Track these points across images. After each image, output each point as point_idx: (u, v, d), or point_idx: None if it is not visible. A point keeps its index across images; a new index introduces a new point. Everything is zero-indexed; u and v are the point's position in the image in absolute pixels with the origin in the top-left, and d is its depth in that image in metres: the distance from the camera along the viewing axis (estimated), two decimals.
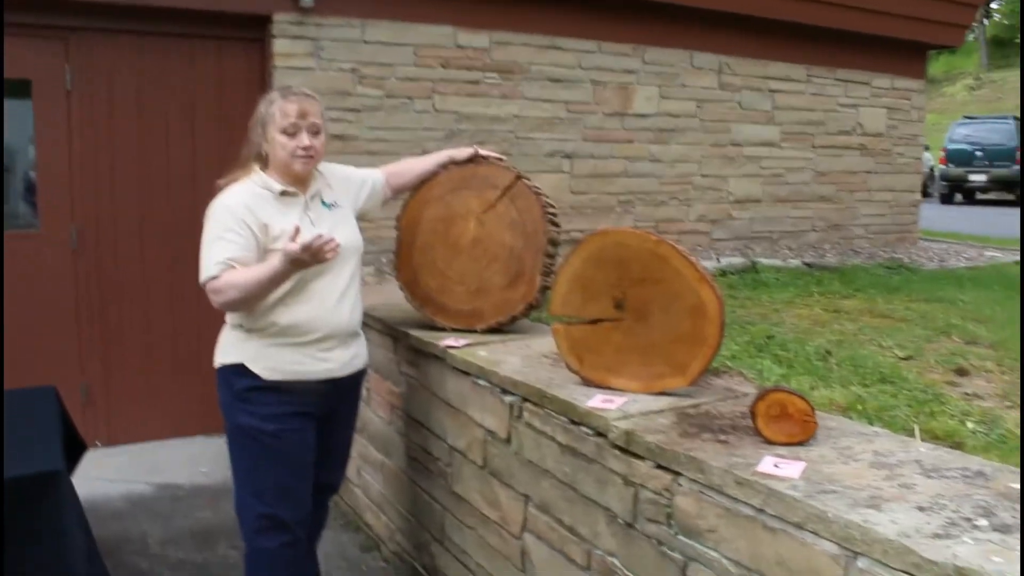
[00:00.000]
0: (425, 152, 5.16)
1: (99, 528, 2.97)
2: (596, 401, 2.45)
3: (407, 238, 3.49)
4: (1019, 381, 3.36)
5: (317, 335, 2.83)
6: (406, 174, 3.45)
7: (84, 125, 4.77)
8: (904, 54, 7.79)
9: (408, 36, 5.38)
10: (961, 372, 3.43)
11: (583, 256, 2.64)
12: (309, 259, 2.55)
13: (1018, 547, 1.50)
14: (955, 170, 20.61)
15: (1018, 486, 1.80)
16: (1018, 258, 7.84)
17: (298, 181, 2.89)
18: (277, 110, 2.82)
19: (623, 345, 2.58)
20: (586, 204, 6.18)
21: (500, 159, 3.48)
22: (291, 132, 2.81)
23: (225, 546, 3.90)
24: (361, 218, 3.21)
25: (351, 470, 4.07)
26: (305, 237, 2.52)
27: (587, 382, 2.63)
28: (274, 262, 2.62)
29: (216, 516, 4.21)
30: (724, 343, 2.63)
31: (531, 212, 3.33)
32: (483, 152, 3.49)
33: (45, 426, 3.14)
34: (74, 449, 3.41)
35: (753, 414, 2.11)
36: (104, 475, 4.61)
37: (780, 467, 1.89)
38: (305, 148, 2.81)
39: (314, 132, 2.85)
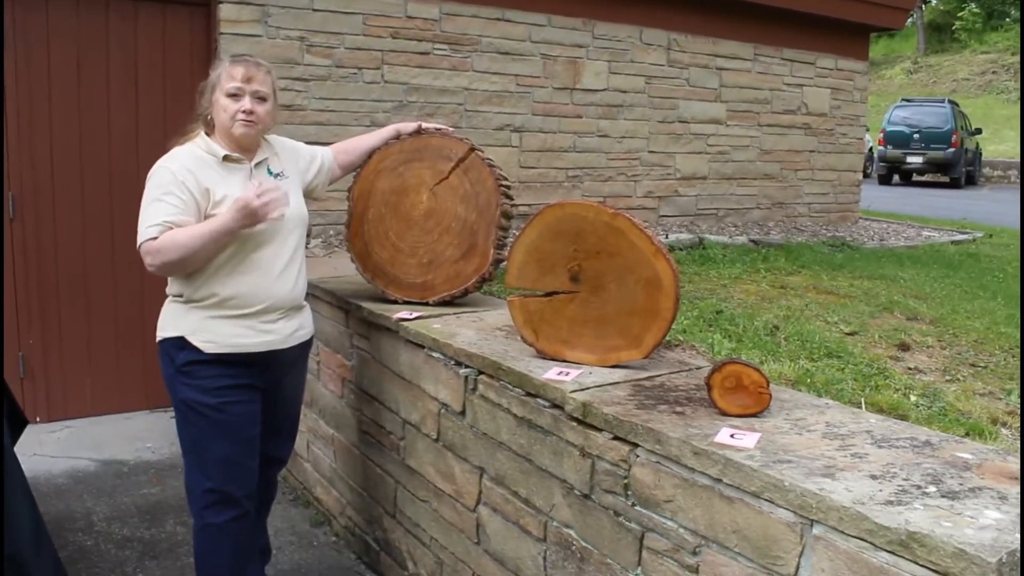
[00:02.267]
0: (374, 124, 5.12)
1: (42, 506, 2.89)
2: (552, 373, 2.45)
3: (359, 209, 3.45)
4: (960, 356, 3.45)
5: (259, 307, 2.79)
6: (353, 151, 3.42)
7: (20, 87, 4.60)
8: (848, 35, 7.91)
9: (357, 5, 5.29)
10: (903, 347, 3.52)
11: (539, 228, 2.64)
12: (258, 209, 2.53)
13: (966, 512, 1.54)
14: (893, 152, 21.04)
15: (964, 455, 1.85)
16: (955, 239, 8.05)
17: (242, 147, 2.85)
18: (224, 73, 2.80)
19: (578, 317, 2.59)
20: (535, 179, 6.17)
21: (443, 130, 3.46)
22: (234, 94, 2.76)
23: (173, 522, 3.84)
24: (308, 195, 3.17)
25: (300, 444, 4.04)
26: (264, 184, 2.50)
27: (542, 354, 2.64)
28: (222, 217, 2.60)
29: (163, 492, 4.14)
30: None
31: (484, 184, 3.31)
32: (427, 125, 3.46)
33: None
34: (15, 424, 3.31)
35: (709, 386, 2.13)
36: (45, 451, 4.50)
37: (736, 437, 1.92)
38: (246, 112, 2.76)
39: (259, 98, 2.80)
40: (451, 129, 3.52)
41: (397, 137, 3.43)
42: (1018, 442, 2.47)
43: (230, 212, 2.59)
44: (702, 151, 7.10)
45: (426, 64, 5.61)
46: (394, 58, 5.47)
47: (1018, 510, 1.55)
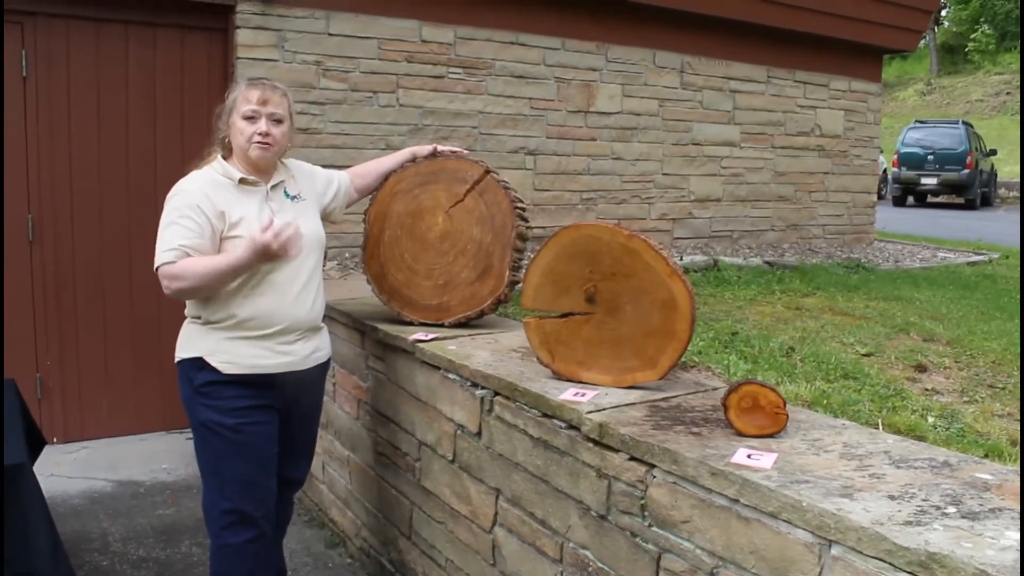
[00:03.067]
0: (389, 147, 5.17)
1: (59, 526, 2.90)
2: (568, 394, 2.46)
3: (375, 231, 3.47)
4: (978, 377, 3.43)
5: (277, 328, 2.81)
6: (369, 174, 3.45)
7: (41, 113, 4.66)
8: (861, 57, 7.93)
9: (373, 29, 5.35)
10: (920, 368, 3.50)
11: (554, 250, 2.65)
12: (276, 250, 2.54)
13: (987, 533, 1.53)
14: (907, 173, 20.99)
15: (983, 476, 1.84)
16: (971, 259, 8.01)
17: (259, 170, 2.87)
18: (240, 96, 2.83)
19: (594, 339, 2.59)
20: (549, 201, 6.19)
21: (458, 153, 3.48)
22: (250, 117, 2.79)
23: (188, 543, 3.85)
24: (326, 218, 3.20)
25: (316, 466, 4.04)
26: (277, 225, 2.52)
27: (558, 376, 2.64)
28: (238, 252, 2.61)
29: (178, 513, 4.15)
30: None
31: (500, 206, 3.33)
32: (442, 148, 3.49)
33: (7, 420, 3.07)
34: (33, 444, 3.34)
35: (725, 406, 2.13)
36: (62, 472, 4.52)
37: (753, 458, 1.92)
38: (262, 134, 2.79)
39: (275, 120, 2.83)
40: (466, 152, 3.55)
41: (413, 160, 3.46)
42: None
43: (247, 250, 2.58)
44: (716, 173, 7.11)
45: (441, 88, 5.65)
46: (409, 82, 5.52)
47: None
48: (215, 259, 2.66)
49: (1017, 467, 2.14)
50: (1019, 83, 28.96)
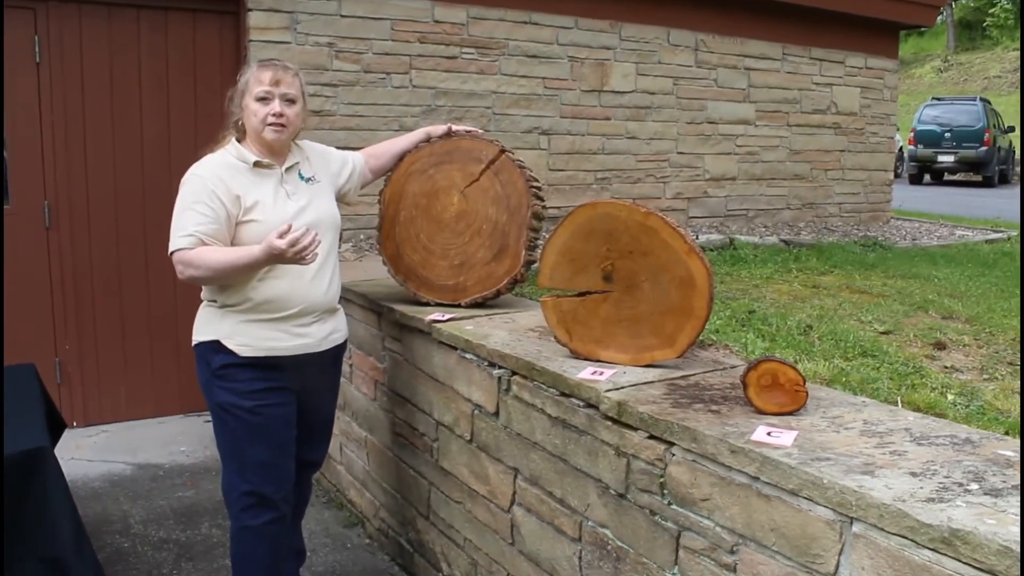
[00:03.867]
0: (403, 128, 5.15)
1: (80, 509, 2.92)
2: (586, 373, 2.45)
3: (390, 212, 3.46)
4: (997, 355, 3.40)
5: (293, 310, 2.81)
6: (384, 155, 3.43)
7: (55, 98, 4.67)
8: (878, 33, 7.83)
9: (385, 10, 5.33)
10: (939, 346, 3.47)
11: (571, 228, 2.64)
12: (291, 256, 2.52)
13: (1010, 509, 1.52)
14: (924, 151, 20.81)
15: (1006, 452, 1.83)
16: (989, 237, 7.94)
17: (273, 152, 2.87)
18: (252, 78, 2.82)
19: (612, 317, 2.59)
20: (563, 181, 6.17)
21: (473, 132, 3.46)
22: (264, 99, 2.78)
23: (208, 524, 3.88)
24: (341, 200, 3.18)
25: (333, 447, 4.06)
26: (294, 234, 2.49)
27: (576, 354, 2.63)
28: (254, 251, 2.59)
29: (198, 495, 4.18)
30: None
31: (515, 186, 3.31)
32: (457, 128, 3.47)
33: (27, 404, 3.10)
34: (54, 428, 3.37)
35: (745, 384, 2.12)
36: (82, 455, 4.56)
37: (773, 435, 1.91)
38: (276, 115, 2.78)
39: (288, 101, 2.82)
40: (481, 132, 3.53)
41: (427, 140, 3.45)
42: None
43: (263, 251, 2.55)
44: (731, 152, 7.06)
45: (454, 68, 5.62)
46: (422, 63, 5.50)
47: None
48: (230, 253, 2.66)
49: None
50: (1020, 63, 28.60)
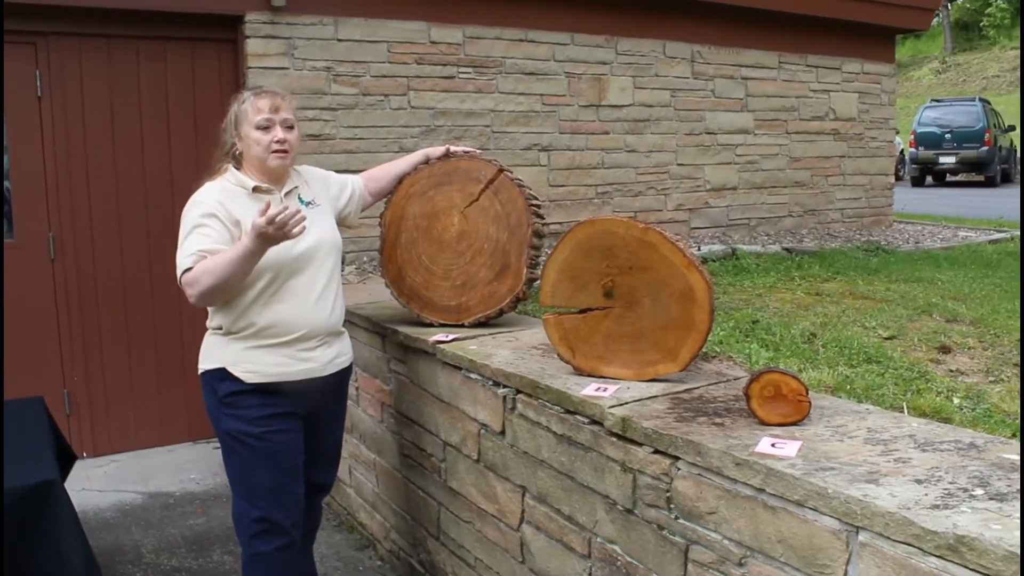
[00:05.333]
0: (402, 150, 5.18)
1: (91, 539, 2.94)
2: (590, 390, 2.46)
3: (391, 235, 3.48)
4: (1003, 357, 3.40)
5: (297, 334, 2.82)
6: (383, 178, 3.45)
7: (57, 131, 4.71)
8: (873, 39, 7.87)
9: (381, 33, 5.37)
10: (944, 350, 3.47)
11: (571, 246, 2.65)
12: (275, 232, 2.49)
13: (1015, 514, 1.52)
14: (925, 153, 20.82)
15: (1011, 456, 1.83)
16: (992, 238, 7.94)
17: (273, 178, 2.88)
18: (249, 107, 2.83)
19: (614, 333, 2.60)
20: (564, 196, 6.19)
21: (471, 152, 3.48)
22: (265, 127, 2.80)
23: (220, 552, 3.88)
24: (341, 223, 3.20)
25: (343, 470, 4.06)
26: (272, 210, 2.48)
27: (579, 371, 2.64)
28: (243, 241, 2.58)
29: (209, 523, 4.18)
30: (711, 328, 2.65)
31: (514, 204, 3.33)
32: (455, 149, 3.49)
33: (36, 437, 3.11)
34: (64, 460, 3.38)
35: (747, 396, 2.13)
36: (93, 486, 4.57)
37: (777, 447, 1.91)
38: (280, 142, 2.80)
39: (287, 127, 2.84)
40: (479, 151, 3.55)
41: (426, 162, 3.47)
42: None
43: (250, 236, 2.54)
44: (731, 162, 7.08)
45: (452, 88, 5.66)
46: (420, 83, 5.54)
47: None
48: (225, 253, 2.63)
49: None
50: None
